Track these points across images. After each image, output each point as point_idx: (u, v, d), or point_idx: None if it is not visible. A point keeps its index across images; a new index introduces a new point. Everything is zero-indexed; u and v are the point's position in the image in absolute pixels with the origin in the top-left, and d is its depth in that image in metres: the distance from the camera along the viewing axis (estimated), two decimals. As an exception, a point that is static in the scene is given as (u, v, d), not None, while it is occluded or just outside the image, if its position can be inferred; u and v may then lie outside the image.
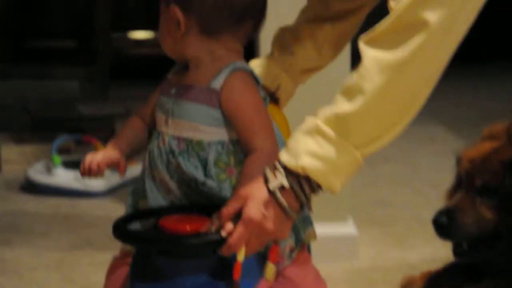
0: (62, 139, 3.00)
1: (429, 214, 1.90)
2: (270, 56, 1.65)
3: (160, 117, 1.41)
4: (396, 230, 2.51)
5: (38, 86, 3.78)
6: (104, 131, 3.41)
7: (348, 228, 2.27)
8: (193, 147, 1.37)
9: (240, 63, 1.40)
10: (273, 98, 1.62)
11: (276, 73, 1.62)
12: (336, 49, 1.66)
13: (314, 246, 2.21)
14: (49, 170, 2.93)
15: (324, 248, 2.23)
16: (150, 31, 5.14)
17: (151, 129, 1.46)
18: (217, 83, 1.37)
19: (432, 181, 3.00)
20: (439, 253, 2.20)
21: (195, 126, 1.37)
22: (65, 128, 3.36)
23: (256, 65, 1.62)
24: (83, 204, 2.78)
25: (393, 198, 2.83)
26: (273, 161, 1.31)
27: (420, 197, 2.85)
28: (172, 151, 1.38)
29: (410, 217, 2.62)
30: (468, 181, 1.89)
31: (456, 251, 1.92)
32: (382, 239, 2.43)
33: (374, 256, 2.30)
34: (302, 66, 1.64)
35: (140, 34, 5.23)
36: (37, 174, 2.92)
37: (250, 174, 1.33)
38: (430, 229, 1.88)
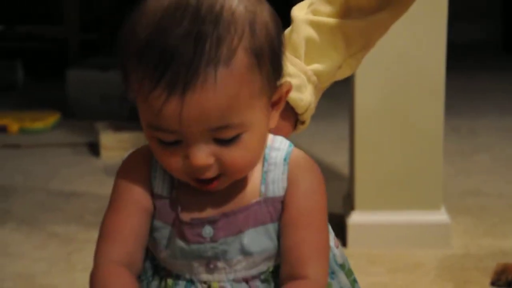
0: (158, 127, 3.08)
1: (522, 204, 1.90)
2: (294, 61, 1.17)
3: (192, 265, 1.00)
4: (489, 218, 2.51)
5: (134, 76, 3.87)
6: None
7: (440, 216, 2.28)
8: (274, 277, 1.01)
9: (280, 138, 1.01)
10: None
11: (309, 90, 1.17)
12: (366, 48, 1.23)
13: (407, 233, 2.25)
14: (146, 157, 3.00)
15: (417, 235, 2.26)
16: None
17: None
18: (276, 187, 0.98)
19: (525, 172, 2.98)
20: (533, 241, 2.20)
21: (267, 254, 1.00)
22: (161, 117, 3.44)
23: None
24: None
25: (485, 187, 2.82)
26: None
27: (513, 187, 2.83)
28: None
29: (503, 206, 2.61)
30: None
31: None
32: (475, 227, 2.43)
33: (466, 244, 2.31)
34: (333, 78, 1.22)
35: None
36: (135, 160, 3.00)
37: None
38: (524, 218, 1.89)
